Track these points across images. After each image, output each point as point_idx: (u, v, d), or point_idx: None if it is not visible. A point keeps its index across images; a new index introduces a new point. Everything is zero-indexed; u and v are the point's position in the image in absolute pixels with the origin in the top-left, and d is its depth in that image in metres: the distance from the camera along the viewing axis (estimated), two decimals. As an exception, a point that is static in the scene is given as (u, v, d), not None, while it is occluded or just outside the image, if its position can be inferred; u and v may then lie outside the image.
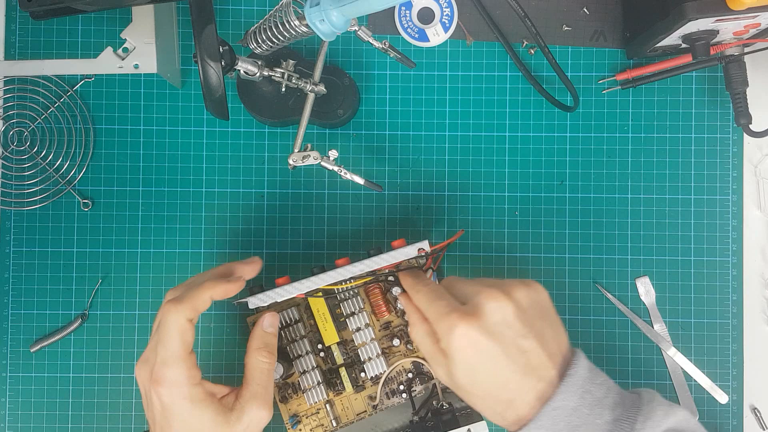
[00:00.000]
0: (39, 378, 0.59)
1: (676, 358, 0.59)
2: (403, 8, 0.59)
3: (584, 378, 0.45)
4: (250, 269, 0.52)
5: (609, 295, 0.59)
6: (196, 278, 0.51)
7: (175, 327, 0.47)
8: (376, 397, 0.55)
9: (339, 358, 0.55)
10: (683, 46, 0.57)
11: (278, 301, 0.52)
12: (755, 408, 0.59)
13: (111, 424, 0.59)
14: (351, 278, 0.52)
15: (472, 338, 0.44)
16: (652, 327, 0.59)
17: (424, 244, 0.52)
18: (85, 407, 0.59)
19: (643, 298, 0.60)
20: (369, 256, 0.52)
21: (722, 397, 0.59)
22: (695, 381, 0.59)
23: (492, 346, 0.44)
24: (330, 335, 0.54)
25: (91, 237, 0.60)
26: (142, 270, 0.60)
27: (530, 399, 0.44)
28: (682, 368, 0.59)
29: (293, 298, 0.52)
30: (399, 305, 0.55)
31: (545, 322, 0.46)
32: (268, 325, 0.51)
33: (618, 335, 0.59)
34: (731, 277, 0.60)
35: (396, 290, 0.53)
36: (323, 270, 0.52)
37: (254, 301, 0.51)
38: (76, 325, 0.59)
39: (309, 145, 0.52)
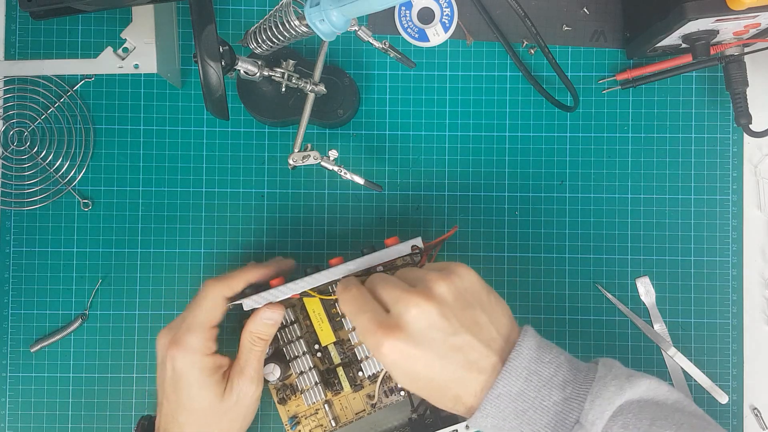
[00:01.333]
0: (39, 378, 0.59)
1: (676, 358, 0.59)
2: (403, 8, 0.59)
3: (529, 359, 0.43)
4: (287, 264, 0.55)
5: (609, 295, 0.59)
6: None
7: (210, 299, 0.50)
8: (374, 396, 0.55)
9: (336, 358, 0.55)
10: (683, 46, 0.57)
11: (273, 302, 0.51)
12: (755, 408, 0.59)
13: (111, 424, 0.59)
14: (344, 277, 0.52)
15: (401, 351, 0.43)
16: (652, 327, 0.59)
17: (417, 241, 0.52)
18: (85, 407, 0.59)
19: (643, 298, 0.60)
20: (363, 254, 0.51)
21: (722, 397, 0.59)
22: (695, 381, 0.59)
23: (423, 354, 0.43)
24: (326, 335, 0.54)
25: (91, 237, 0.60)
26: (142, 270, 0.60)
27: (476, 390, 0.44)
28: (682, 368, 0.59)
29: (288, 299, 0.52)
30: None
31: (477, 309, 0.45)
32: (266, 318, 0.51)
33: (618, 335, 0.59)
34: (731, 277, 0.60)
35: None
36: (317, 270, 0.52)
37: (249, 303, 0.51)
38: (76, 325, 0.59)
39: (309, 145, 0.52)
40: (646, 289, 0.60)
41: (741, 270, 0.60)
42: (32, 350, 0.59)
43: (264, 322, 0.51)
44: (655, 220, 0.60)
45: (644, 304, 0.60)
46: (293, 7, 0.46)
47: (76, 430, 0.59)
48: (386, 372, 0.55)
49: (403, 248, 0.52)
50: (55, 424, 0.59)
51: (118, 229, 0.60)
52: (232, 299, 0.51)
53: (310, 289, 0.52)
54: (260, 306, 0.51)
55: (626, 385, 0.43)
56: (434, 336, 0.43)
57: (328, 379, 0.55)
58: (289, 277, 0.53)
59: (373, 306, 0.45)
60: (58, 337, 0.59)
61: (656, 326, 0.59)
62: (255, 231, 0.60)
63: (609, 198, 0.60)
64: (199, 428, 0.50)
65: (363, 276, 0.53)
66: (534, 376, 0.43)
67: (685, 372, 0.59)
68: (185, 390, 0.49)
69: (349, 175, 0.52)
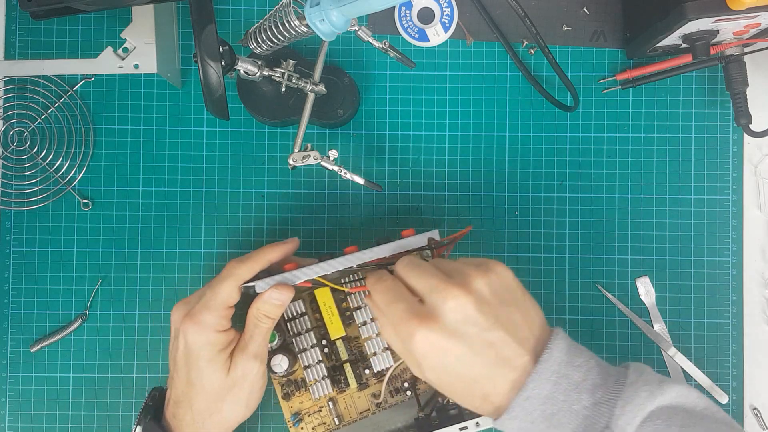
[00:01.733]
0: (39, 378, 0.59)
1: (676, 358, 0.59)
2: (403, 8, 0.59)
3: (559, 362, 0.43)
4: (291, 246, 0.54)
5: (609, 295, 0.59)
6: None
7: (231, 281, 0.50)
8: (380, 395, 0.55)
9: (344, 354, 0.55)
10: (683, 46, 0.57)
11: (281, 284, 0.51)
12: (755, 408, 0.59)
13: (111, 424, 0.59)
14: (358, 265, 0.51)
15: (434, 342, 0.43)
16: (652, 327, 0.59)
17: (434, 234, 0.52)
18: (85, 407, 0.59)
19: (643, 298, 0.60)
20: (378, 244, 0.51)
21: (722, 397, 0.59)
22: (695, 381, 0.59)
23: (456, 347, 0.43)
24: (336, 328, 0.54)
25: (91, 237, 0.60)
26: (142, 270, 0.60)
27: (504, 390, 0.43)
28: (682, 368, 0.59)
29: (299, 290, 0.52)
30: None
31: (512, 306, 0.44)
32: (274, 298, 0.51)
33: (618, 335, 0.59)
34: (731, 277, 0.60)
35: None
36: (332, 257, 0.51)
37: (261, 285, 0.51)
38: (76, 325, 0.59)
39: (309, 145, 0.52)
40: (646, 289, 0.60)
41: (741, 270, 0.60)
42: (32, 350, 0.59)
43: (271, 302, 0.50)
44: (655, 220, 0.60)
45: (644, 304, 0.60)
46: (293, 7, 0.46)
47: (76, 430, 0.59)
48: (394, 371, 0.55)
49: (419, 240, 0.51)
50: (55, 424, 0.59)
51: (118, 229, 0.60)
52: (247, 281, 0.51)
53: (322, 277, 0.51)
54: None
55: (657, 391, 0.43)
56: (469, 330, 0.43)
57: (335, 376, 0.55)
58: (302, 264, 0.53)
59: (408, 296, 0.45)
60: (58, 337, 0.59)
61: (656, 326, 0.59)
62: (255, 231, 0.60)
63: (609, 198, 0.60)
64: (207, 404, 0.50)
65: (373, 268, 0.52)
66: (564, 380, 0.42)
67: (685, 372, 0.59)
68: (195, 365, 0.50)
69: (349, 175, 0.52)
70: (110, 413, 0.59)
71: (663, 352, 0.59)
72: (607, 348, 0.59)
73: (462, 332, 0.43)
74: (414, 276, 0.46)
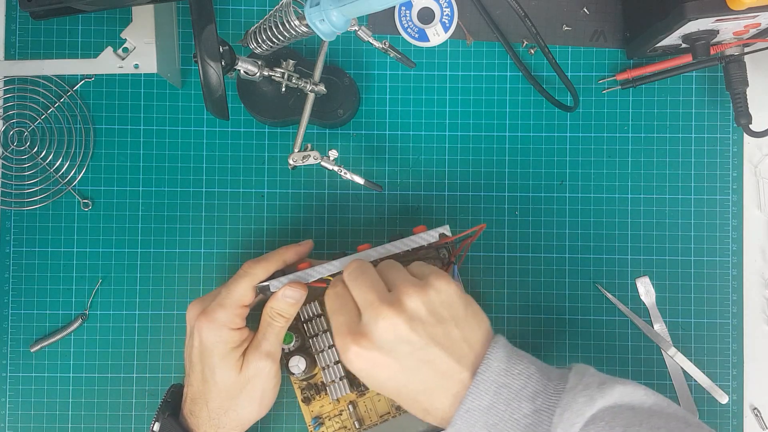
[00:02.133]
0: (39, 378, 0.59)
1: (676, 358, 0.59)
2: (403, 8, 0.59)
3: (498, 372, 0.43)
4: (306, 248, 0.55)
5: (609, 295, 0.59)
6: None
7: (246, 280, 0.51)
8: None
9: None
10: (683, 46, 0.57)
11: (295, 282, 0.51)
12: (755, 408, 0.59)
13: (111, 424, 0.59)
14: (372, 262, 0.51)
15: (366, 359, 0.43)
16: (652, 327, 0.59)
17: (445, 229, 0.52)
18: (85, 407, 0.59)
19: (643, 298, 0.60)
20: (390, 242, 0.51)
21: (722, 397, 0.59)
22: (695, 381, 0.59)
23: (388, 365, 0.43)
24: None
25: (91, 237, 0.60)
26: (142, 270, 0.60)
27: (446, 404, 0.43)
28: (682, 368, 0.59)
29: (315, 291, 0.52)
30: None
31: (450, 324, 0.44)
32: (287, 296, 0.51)
33: (618, 335, 0.59)
34: (731, 277, 0.60)
35: None
36: (344, 255, 0.51)
37: (275, 284, 0.51)
38: (76, 325, 0.59)
39: (309, 145, 0.52)
40: (646, 289, 0.60)
41: (741, 270, 0.60)
42: (32, 350, 0.59)
43: (285, 300, 0.50)
44: (655, 220, 0.60)
45: (644, 304, 0.60)
46: (293, 7, 0.46)
47: (76, 430, 0.59)
48: None
49: (430, 236, 0.51)
50: (55, 424, 0.59)
51: (118, 229, 0.60)
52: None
53: (335, 275, 0.51)
54: None
55: (597, 395, 0.42)
56: (402, 349, 0.43)
57: (354, 380, 0.54)
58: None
59: (349, 309, 0.45)
60: (58, 337, 0.59)
61: (656, 326, 0.59)
62: (255, 231, 0.60)
63: (609, 198, 0.60)
64: (221, 402, 0.51)
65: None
66: (503, 389, 0.43)
67: (685, 372, 0.59)
68: (208, 361, 0.50)
69: (349, 175, 0.52)
70: (110, 413, 0.59)
71: (663, 352, 0.59)
72: (607, 348, 0.59)
73: (395, 351, 0.43)
74: (355, 287, 0.46)
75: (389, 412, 0.55)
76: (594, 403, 0.42)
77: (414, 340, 0.43)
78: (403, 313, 0.43)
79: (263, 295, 0.52)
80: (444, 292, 0.45)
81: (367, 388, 0.54)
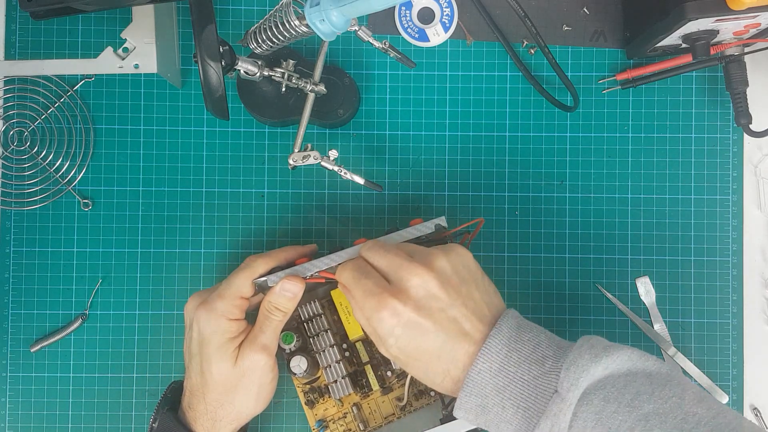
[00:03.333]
0: (39, 378, 0.59)
1: (676, 358, 0.59)
2: (403, 8, 0.59)
3: (509, 337, 0.44)
4: (309, 251, 0.56)
5: (609, 295, 0.59)
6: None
7: (246, 271, 0.51)
8: (403, 398, 0.54)
9: (364, 356, 0.54)
10: (683, 46, 0.57)
11: (293, 276, 0.51)
12: (755, 408, 0.59)
13: (111, 424, 0.59)
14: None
15: (400, 315, 0.44)
16: (652, 327, 0.59)
17: (441, 221, 0.52)
18: (85, 407, 0.59)
19: (643, 298, 0.60)
20: (386, 233, 0.51)
21: (722, 397, 0.59)
22: (695, 381, 0.59)
23: (421, 322, 0.44)
24: (354, 328, 0.54)
25: (91, 237, 0.60)
26: (142, 270, 0.60)
27: (463, 364, 0.44)
28: (682, 368, 0.59)
29: (314, 290, 0.51)
30: None
31: (472, 285, 0.46)
32: (285, 290, 0.51)
33: (618, 335, 0.59)
34: (731, 277, 0.60)
35: None
36: (342, 248, 0.51)
37: (274, 279, 0.51)
38: (76, 325, 0.59)
39: (309, 145, 0.52)
40: (646, 289, 0.60)
41: (741, 270, 0.60)
42: (32, 350, 0.59)
43: (283, 294, 0.51)
44: (655, 220, 0.60)
45: (644, 304, 0.60)
46: (293, 7, 0.46)
47: (76, 430, 0.59)
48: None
49: (427, 227, 0.51)
50: (55, 424, 0.59)
51: (118, 229, 0.60)
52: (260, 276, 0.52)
53: (332, 269, 0.51)
54: None
55: (602, 354, 0.43)
56: (433, 305, 0.44)
57: (357, 381, 0.54)
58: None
59: (375, 273, 0.47)
60: (58, 337, 0.59)
61: (656, 326, 0.59)
62: (255, 231, 0.60)
63: (609, 198, 0.60)
64: (217, 396, 0.51)
65: None
66: (514, 353, 0.44)
67: (685, 372, 0.59)
68: (205, 351, 0.51)
69: (349, 175, 0.52)
70: (110, 413, 0.59)
71: (663, 352, 0.59)
72: (607, 348, 0.59)
73: (426, 308, 0.44)
74: (379, 257, 0.47)
75: (393, 414, 0.55)
76: (599, 360, 0.42)
77: (443, 296, 0.45)
78: (433, 272, 0.45)
79: (262, 292, 0.52)
80: (465, 256, 0.47)
81: (370, 388, 0.54)
